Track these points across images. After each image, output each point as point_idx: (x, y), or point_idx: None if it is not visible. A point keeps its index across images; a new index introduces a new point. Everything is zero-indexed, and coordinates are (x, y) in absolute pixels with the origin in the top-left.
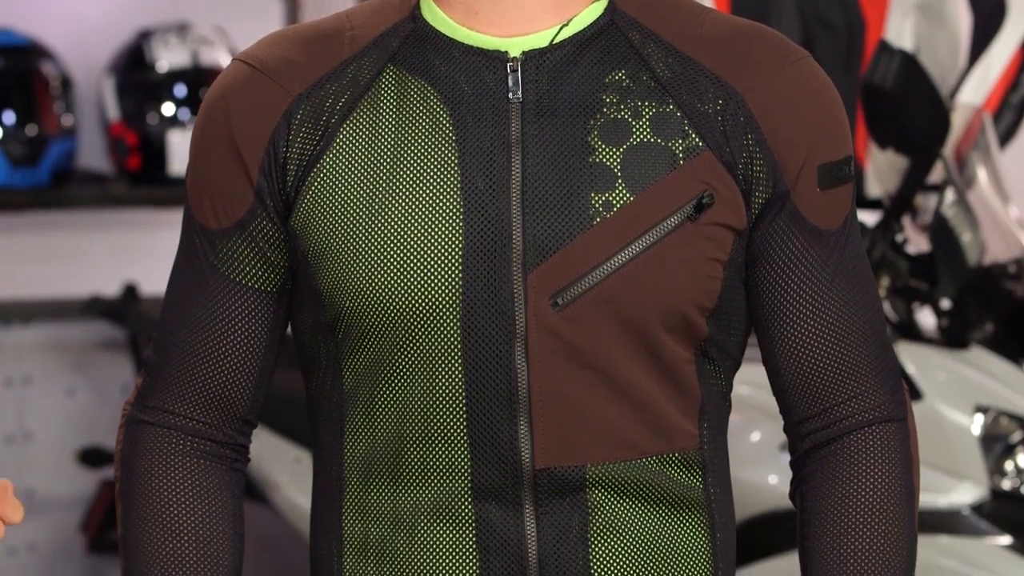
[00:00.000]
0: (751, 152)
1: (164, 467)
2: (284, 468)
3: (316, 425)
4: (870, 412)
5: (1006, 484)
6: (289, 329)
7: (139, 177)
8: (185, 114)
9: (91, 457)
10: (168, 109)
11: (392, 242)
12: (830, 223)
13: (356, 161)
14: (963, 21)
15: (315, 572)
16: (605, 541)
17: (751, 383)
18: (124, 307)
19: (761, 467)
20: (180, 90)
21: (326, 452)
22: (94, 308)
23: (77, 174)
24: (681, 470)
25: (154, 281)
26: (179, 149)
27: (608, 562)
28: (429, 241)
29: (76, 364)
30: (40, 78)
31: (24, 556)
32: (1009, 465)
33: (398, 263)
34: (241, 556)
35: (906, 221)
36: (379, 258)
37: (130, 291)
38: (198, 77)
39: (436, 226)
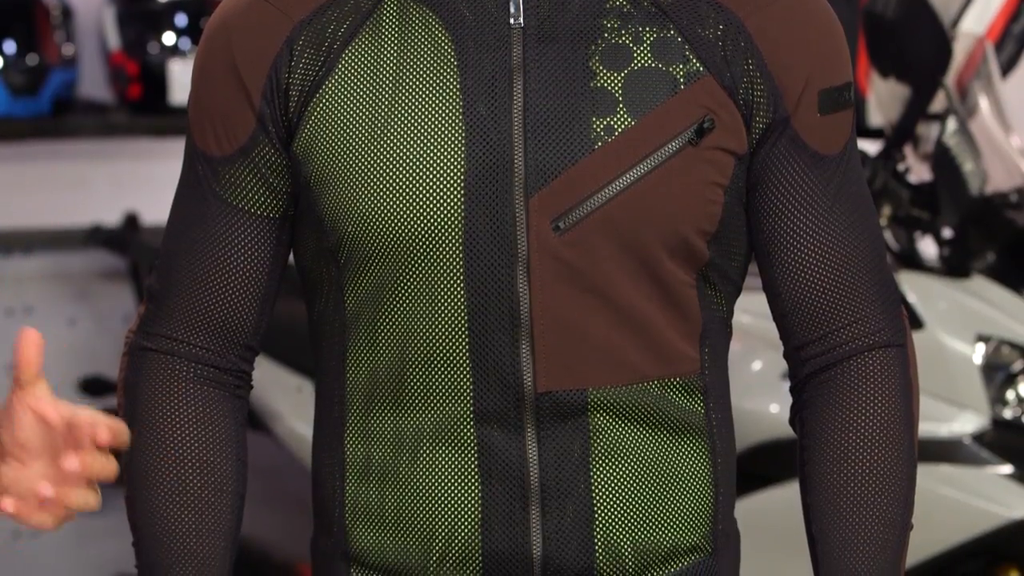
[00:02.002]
0: (752, 77)
1: (167, 394)
2: (285, 397)
3: (318, 351)
4: (869, 337)
5: (1007, 413)
6: (291, 257)
7: (140, 106)
8: (186, 43)
9: (92, 386)
10: (169, 39)
11: (394, 167)
12: (830, 148)
13: (358, 87)
14: None
15: (317, 497)
16: (606, 465)
17: (753, 312)
18: (125, 236)
19: (763, 396)
20: (181, 19)
21: (328, 377)
22: (95, 237)
23: (78, 104)
24: (682, 394)
25: (155, 210)
26: (180, 78)
27: (609, 485)
28: (431, 166)
29: (77, 294)
30: (41, 8)
31: None
32: (1010, 394)
33: (400, 188)
34: (245, 482)
35: (908, 150)
36: (381, 183)
37: (131, 220)
38: (199, 6)
39: (438, 151)
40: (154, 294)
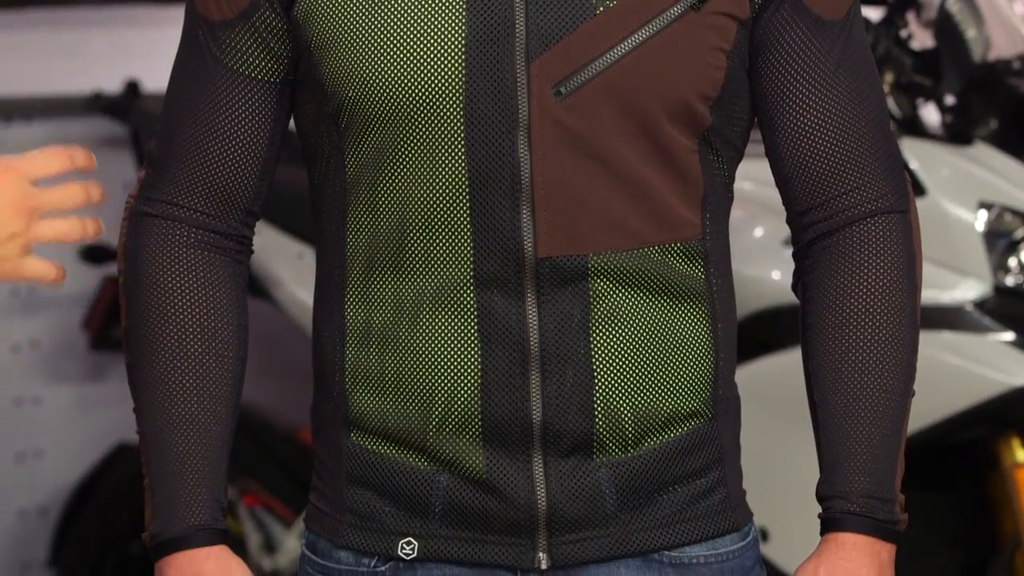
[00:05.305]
0: None
1: (168, 259)
2: (287, 264)
3: (319, 216)
4: (872, 203)
5: (1009, 280)
6: (292, 124)
7: None
8: None
9: (93, 253)
10: None
11: (395, 32)
12: (833, 14)
13: None
14: None
15: (317, 363)
16: (606, 330)
17: (754, 179)
18: (126, 103)
19: (764, 262)
20: None
21: (329, 243)
22: (96, 105)
23: None
24: (683, 260)
25: (156, 78)
26: None
27: (609, 350)
28: (432, 31)
29: None
30: None
31: (27, 353)
32: (1012, 261)
33: (401, 53)
34: (246, 347)
35: (910, 17)
36: (382, 48)
37: (132, 87)
38: None
39: (439, 16)
40: (154, 159)
